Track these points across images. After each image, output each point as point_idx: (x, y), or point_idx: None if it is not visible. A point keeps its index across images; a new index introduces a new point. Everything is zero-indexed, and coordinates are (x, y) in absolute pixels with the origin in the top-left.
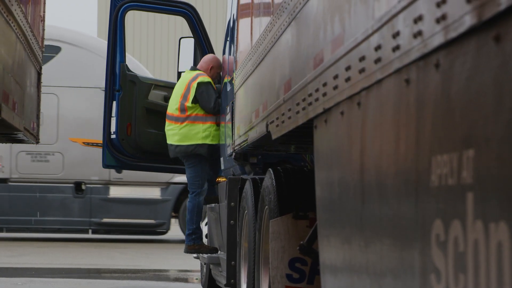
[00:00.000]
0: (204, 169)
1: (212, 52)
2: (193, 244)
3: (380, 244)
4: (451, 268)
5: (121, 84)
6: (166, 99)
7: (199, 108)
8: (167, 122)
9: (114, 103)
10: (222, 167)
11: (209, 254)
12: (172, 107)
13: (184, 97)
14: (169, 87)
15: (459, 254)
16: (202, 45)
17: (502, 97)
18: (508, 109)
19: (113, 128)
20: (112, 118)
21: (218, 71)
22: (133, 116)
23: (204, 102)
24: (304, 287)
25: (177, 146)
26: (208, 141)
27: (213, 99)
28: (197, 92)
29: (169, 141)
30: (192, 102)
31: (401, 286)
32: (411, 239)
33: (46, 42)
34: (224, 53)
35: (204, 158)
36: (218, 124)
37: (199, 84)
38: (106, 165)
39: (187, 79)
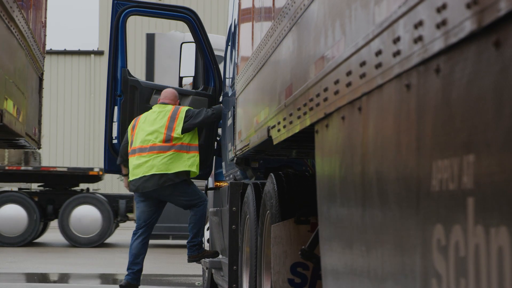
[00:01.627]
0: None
1: (214, 57)
2: (197, 254)
3: (381, 249)
4: (452, 272)
5: (122, 89)
6: None
7: (185, 137)
8: (139, 156)
9: (116, 108)
10: (224, 172)
11: (211, 259)
12: (151, 140)
13: (169, 128)
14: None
15: (460, 259)
16: (204, 50)
17: (502, 102)
18: (508, 115)
19: (115, 133)
20: (113, 123)
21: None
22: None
23: (201, 117)
24: None
25: (162, 175)
26: (193, 169)
27: (203, 110)
28: (187, 118)
29: (148, 173)
30: (181, 133)
31: None
32: (412, 244)
33: (216, 53)
34: (225, 58)
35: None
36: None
37: (186, 111)
38: (107, 170)
39: (167, 112)
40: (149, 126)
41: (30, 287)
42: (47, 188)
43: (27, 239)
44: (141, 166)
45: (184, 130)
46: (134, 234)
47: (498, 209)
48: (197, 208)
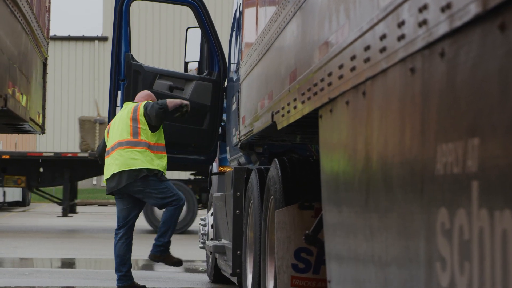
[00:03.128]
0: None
1: (218, 42)
2: (159, 255)
3: (385, 233)
4: (456, 256)
5: (125, 73)
6: (171, 88)
7: (151, 137)
8: (111, 155)
9: (119, 92)
10: (228, 157)
11: (215, 243)
12: (120, 136)
13: (134, 120)
14: (174, 76)
15: (464, 243)
16: (208, 36)
17: (507, 86)
18: None
19: None
20: (117, 108)
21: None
22: None
23: (153, 107)
24: (309, 277)
25: (131, 170)
26: (161, 169)
27: (154, 103)
28: (145, 110)
29: (116, 170)
30: (146, 124)
31: (407, 275)
32: (417, 228)
33: None
34: (230, 43)
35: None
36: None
37: (144, 104)
38: None
39: (130, 108)
40: (117, 125)
41: (32, 271)
42: (200, 176)
43: (183, 228)
44: (111, 164)
45: (148, 123)
46: (116, 234)
47: (502, 192)
48: (170, 207)
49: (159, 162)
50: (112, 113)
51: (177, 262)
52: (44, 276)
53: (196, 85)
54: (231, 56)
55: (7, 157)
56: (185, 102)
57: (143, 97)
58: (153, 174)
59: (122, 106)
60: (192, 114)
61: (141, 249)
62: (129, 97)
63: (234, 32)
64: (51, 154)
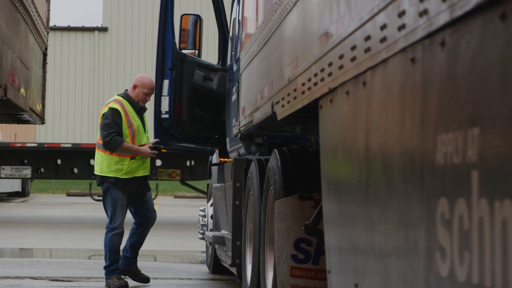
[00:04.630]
0: (120, 206)
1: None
2: (106, 278)
3: (385, 224)
4: (456, 246)
5: (173, 62)
6: (204, 79)
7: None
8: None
9: (165, 81)
10: (228, 148)
11: (215, 234)
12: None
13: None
14: (209, 68)
15: (464, 232)
16: (223, 27)
17: (508, 75)
18: None
19: (164, 107)
20: (162, 97)
21: (142, 91)
22: (183, 95)
23: (101, 134)
24: (309, 268)
25: (96, 175)
26: (119, 175)
27: (107, 132)
28: (101, 121)
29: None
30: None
31: (407, 265)
32: (416, 218)
33: None
34: (230, 33)
35: (117, 191)
36: (133, 157)
37: (103, 114)
38: (169, 149)
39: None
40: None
41: (32, 261)
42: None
43: None
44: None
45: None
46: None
47: (502, 182)
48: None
49: (106, 166)
50: (158, 103)
51: (122, 285)
52: (44, 266)
53: (220, 76)
54: (230, 45)
55: (165, 150)
56: (143, 151)
57: (132, 81)
58: (104, 184)
59: (170, 95)
60: (216, 105)
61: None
62: (175, 86)
63: (234, 22)
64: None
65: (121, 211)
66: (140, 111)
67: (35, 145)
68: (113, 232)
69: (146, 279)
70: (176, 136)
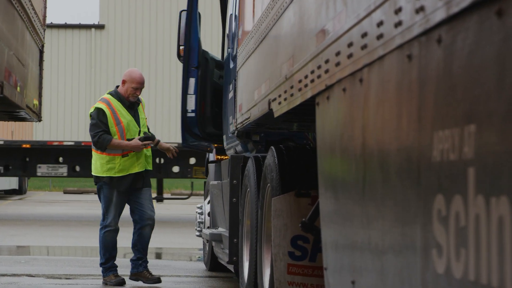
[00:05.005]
0: (114, 204)
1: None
2: (103, 276)
3: (382, 220)
4: (453, 243)
5: (199, 60)
6: (220, 77)
7: None
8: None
9: (191, 80)
10: (225, 145)
11: (211, 231)
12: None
13: None
14: (222, 67)
15: (461, 229)
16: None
17: (504, 72)
18: (509, 84)
19: (190, 106)
20: (189, 96)
21: (131, 86)
22: (206, 94)
23: (90, 135)
24: (306, 265)
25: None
26: (111, 174)
27: (94, 132)
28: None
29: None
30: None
31: (403, 262)
32: (413, 215)
33: None
34: (227, 30)
35: (109, 189)
36: (125, 155)
37: (90, 114)
38: (184, 145)
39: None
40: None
41: (29, 259)
42: None
43: None
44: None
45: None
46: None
47: (498, 179)
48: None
49: (99, 167)
50: (184, 102)
51: (118, 283)
52: (41, 264)
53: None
54: (225, 43)
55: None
56: (134, 144)
57: (122, 78)
58: (99, 183)
59: (195, 93)
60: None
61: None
62: (201, 84)
63: (230, 19)
64: None
65: (114, 209)
66: (132, 106)
67: (72, 143)
68: (105, 230)
69: (156, 280)
70: (199, 134)
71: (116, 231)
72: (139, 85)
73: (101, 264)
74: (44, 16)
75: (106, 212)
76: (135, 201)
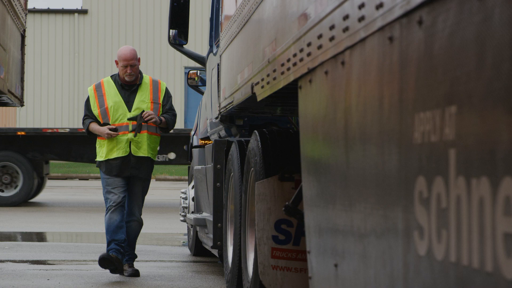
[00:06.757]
0: (109, 185)
1: None
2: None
3: (364, 203)
4: (434, 225)
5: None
6: None
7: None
8: None
9: None
10: (209, 130)
11: (195, 216)
12: None
13: None
14: None
15: (442, 211)
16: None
17: (484, 53)
18: (489, 65)
19: None
20: None
21: (120, 65)
22: None
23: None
24: (290, 249)
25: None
26: (99, 158)
27: (83, 118)
28: None
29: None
30: None
31: (385, 244)
32: (395, 197)
33: None
34: (212, 15)
35: (103, 174)
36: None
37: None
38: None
39: None
40: None
41: (13, 245)
42: None
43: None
44: None
45: None
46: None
47: (479, 159)
48: None
49: (98, 151)
50: None
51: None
52: (25, 250)
53: None
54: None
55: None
56: (102, 130)
57: None
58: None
59: None
60: None
61: None
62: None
63: (214, 3)
64: None
65: (110, 191)
66: (129, 87)
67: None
68: (106, 214)
69: (133, 273)
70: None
71: (118, 211)
72: (126, 62)
73: (106, 248)
74: (26, 1)
75: (105, 197)
76: (129, 194)
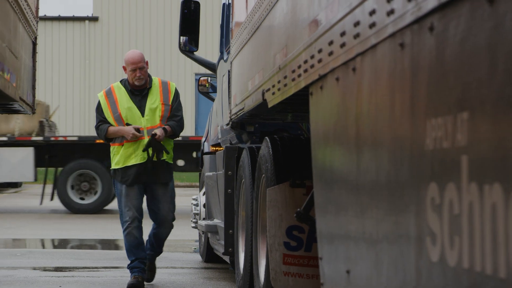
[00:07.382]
0: (124, 197)
1: None
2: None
3: (376, 209)
4: (447, 231)
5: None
6: None
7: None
8: None
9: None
10: (220, 136)
11: (207, 223)
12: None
13: None
14: None
15: (454, 217)
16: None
17: (496, 59)
18: (501, 71)
19: None
20: None
21: (128, 69)
22: None
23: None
24: (301, 255)
25: None
26: (115, 166)
27: (96, 124)
28: None
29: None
30: None
31: (397, 251)
32: (407, 203)
33: None
34: (222, 22)
35: (117, 183)
36: (123, 145)
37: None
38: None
39: None
40: None
41: (25, 252)
42: None
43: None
44: None
45: None
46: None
47: (492, 166)
48: None
49: (112, 156)
50: None
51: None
52: (37, 256)
53: None
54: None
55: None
56: (127, 130)
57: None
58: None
59: None
60: None
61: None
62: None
63: (224, 10)
64: None
65: (126, 204)
66: (139, 92)
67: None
68: (125, 229)
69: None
70: None
71: (137, 228)
72: (134, 65)
73: (128, 266)
74: (37, 8)
75: (120, 208)
76: (151, 200)
